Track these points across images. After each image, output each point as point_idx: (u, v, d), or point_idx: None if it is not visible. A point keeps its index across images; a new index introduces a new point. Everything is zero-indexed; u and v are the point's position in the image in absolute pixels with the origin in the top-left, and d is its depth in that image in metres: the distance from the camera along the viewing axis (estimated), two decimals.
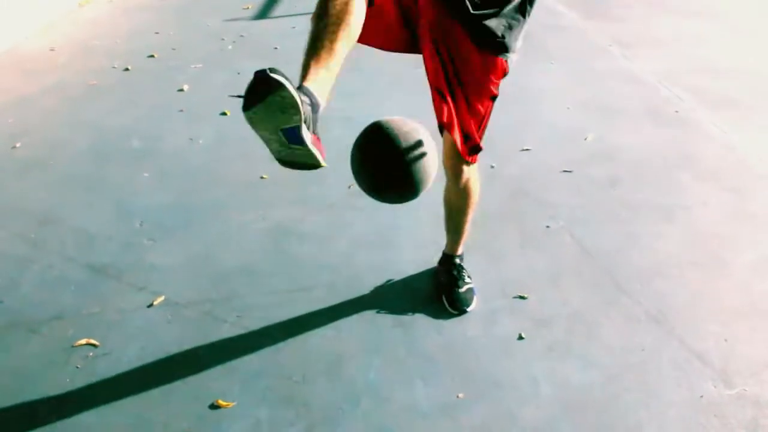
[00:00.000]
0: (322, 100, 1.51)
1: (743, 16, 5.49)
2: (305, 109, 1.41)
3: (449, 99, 2.01)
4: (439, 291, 2.44)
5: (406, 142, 1.87)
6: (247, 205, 3.01)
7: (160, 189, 3.14)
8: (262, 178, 3.21)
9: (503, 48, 1.99)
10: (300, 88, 1.47)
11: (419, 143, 1.88)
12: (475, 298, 2.42)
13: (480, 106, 2.07)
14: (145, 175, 3.26)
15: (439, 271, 2.49)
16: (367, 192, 1.97)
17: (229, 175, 3.22)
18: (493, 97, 2.09)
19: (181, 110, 3.89)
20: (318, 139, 1.54)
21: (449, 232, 2.42)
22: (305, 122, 1.41)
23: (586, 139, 3.50)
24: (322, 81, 1.52)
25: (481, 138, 2.12)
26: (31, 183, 3.23)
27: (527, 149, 3.38)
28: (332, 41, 1.54)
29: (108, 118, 3.83)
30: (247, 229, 2.87)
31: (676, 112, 3.81)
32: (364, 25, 1.63)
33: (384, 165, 1.89)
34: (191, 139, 3.56)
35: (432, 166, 1.92)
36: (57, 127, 3.75)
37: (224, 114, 3.80)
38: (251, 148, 3.48)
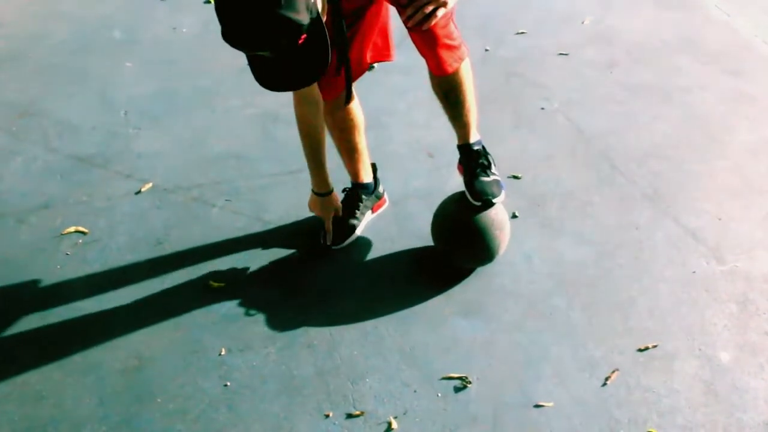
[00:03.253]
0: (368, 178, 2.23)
1: None
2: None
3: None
4: (463, 182, 2.07)
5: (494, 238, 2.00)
6: (233, 92, 2.92)
7: (144, 78, 3.04)
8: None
9: None
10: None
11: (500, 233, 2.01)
12: (503, 191, 2.02)
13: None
14: (128, 65, 3.15)
15: (461, 168, 2.08)
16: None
17: (215, 63, 3.11)
18: None
19: None
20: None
21: (456, 120, 2.00)
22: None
23: (583, 22, 3.37)
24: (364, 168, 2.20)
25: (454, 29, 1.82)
26: (8, 75, 3.12)
27: (522, 32, 3.26)
28: (354, 147, 2.12)
29: (87, 8, 3.66)
30: (235, 115, 2.79)
31: None
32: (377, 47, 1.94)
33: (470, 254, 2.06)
34: (174, 28, 3.42)
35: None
36: (34, 19, 3.59)
37: (208, 2, 3.64)
38: None
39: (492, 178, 2.01)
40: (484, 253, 2.03)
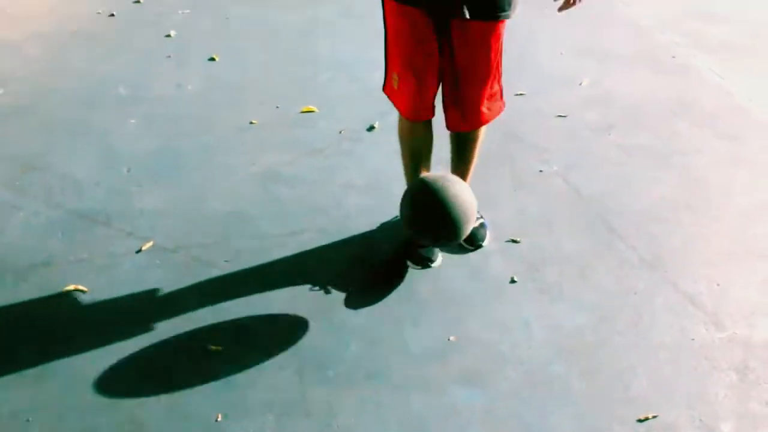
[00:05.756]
0: None
1: None
2: None
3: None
4: None
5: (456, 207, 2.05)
6: (236, 150, 2.95)
7: (148, 135, 3.08)
8: (251, 123, 3.15)
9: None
10: None
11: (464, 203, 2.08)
12: (488, 233, 2.41)
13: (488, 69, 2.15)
14: (132, 121, 3.19)
15: None
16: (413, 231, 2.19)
17: (218, 121, 3.16)
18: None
19: (169, 56, 3.80)
20: None
21: (459, 170, 2.38)
22: None
23: (581, 84, 3.44)
24: None
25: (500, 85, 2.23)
26: (15, 130, 3.16)
27: (521, 94, 3.32)
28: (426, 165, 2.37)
29: (93, 64, 3.74)
30: (236, 173, 2.82)
31: (674, 57, 3.75)
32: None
33: (436, 228, 2.11)
34: (179, 84, 3.48)
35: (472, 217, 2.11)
36: (41, 74, 3.66)
37: (212, 59, 3.71)
38: (240, 94, 3.43)
39: (479, 222, 2.38)
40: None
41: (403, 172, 2.39)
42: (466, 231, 2.08)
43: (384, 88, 2.25)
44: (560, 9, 2.15)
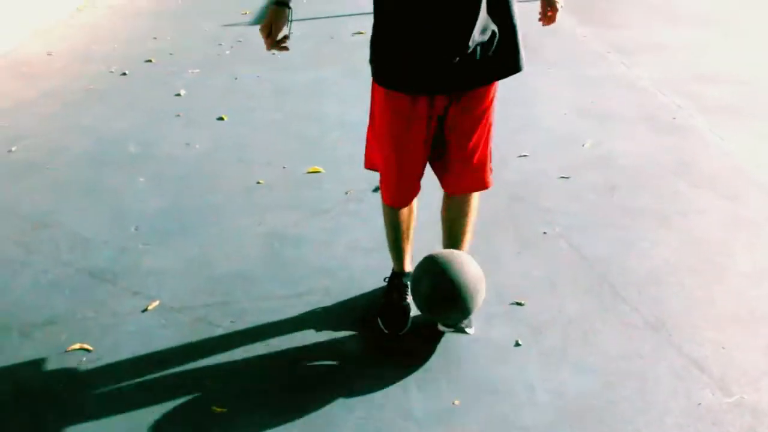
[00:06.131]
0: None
1: (741, 24, 5.50)
2: None
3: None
4: None
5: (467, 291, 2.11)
6: (243, 210, 2.99)
7: (156, 194, 3.13)
8: (258, 183, 3.20)
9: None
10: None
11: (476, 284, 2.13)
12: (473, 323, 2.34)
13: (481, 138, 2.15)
14: (141, 179, 3.25)
15: None
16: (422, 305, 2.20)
17: (225, 180, 3.21)
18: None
19: (178, 115, 3.89)
20: None
21: (452, 244, 2.36)
22: None
23: (583, 145, 3.49)
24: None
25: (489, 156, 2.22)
26: (26, 187, 3.22)
27: (524, 155, 3.37)
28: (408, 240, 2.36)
29: (105, 122, 3.82)
30: (243, 233, 2.85)
31: (674, 119, 3.81)
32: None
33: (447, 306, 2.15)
34: (188, 144, 3.55)
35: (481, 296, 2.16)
36: (53, 132, 3.74)
37: (221, 119, 3.80)
38: (247, 154, 3.49)
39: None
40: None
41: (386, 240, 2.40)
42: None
43: (366, 164, 2.29)
44: (544, 23, 2.20)
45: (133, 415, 2.04)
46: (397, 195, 2.20)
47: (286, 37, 1.96)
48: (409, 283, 2.30)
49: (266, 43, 1.94)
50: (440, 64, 1.94)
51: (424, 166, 2.18)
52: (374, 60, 2.03)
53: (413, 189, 2.21)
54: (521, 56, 2.05)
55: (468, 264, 2.15)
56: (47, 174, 3.32)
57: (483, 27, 1.95)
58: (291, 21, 1.94)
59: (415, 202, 2.28)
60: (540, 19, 2.18)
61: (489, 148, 2.18)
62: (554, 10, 2.16)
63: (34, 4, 5.40)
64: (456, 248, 2.31)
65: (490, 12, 1.95)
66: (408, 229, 2.33)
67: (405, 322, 2.33)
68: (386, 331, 2.31)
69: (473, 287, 2.11)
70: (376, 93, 2.09)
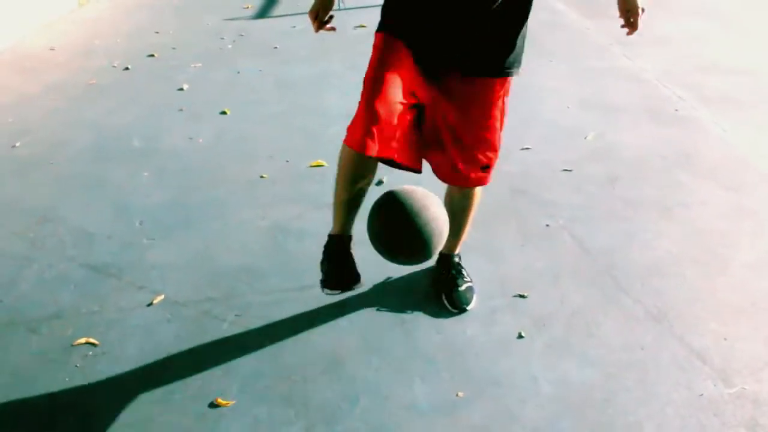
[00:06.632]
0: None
1: (744, 15, 5.49)
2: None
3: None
4: (439, 290, 2.44)
5: (423, 218, 1.91)
6: (246, 204, 3.00)
7: (160, 188, 3.14)
8: (261, 177, 3.21)
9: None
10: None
11: (435, 218, 1.93)
12: (474, 296, 2.42)
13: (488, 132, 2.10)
14: (145, 174, 3.26)
15: (438, 271, 2.49)
16: (382, 252, 2.04)
17: (229, 174, 3.22)
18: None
19: (181, 109, 3.90)
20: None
21: (450, 234, 2.18)
22: None
23: (586, 137, 3.50)
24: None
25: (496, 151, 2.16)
26: (30, 182, 3.23)
27: (527, 148, 3.38)
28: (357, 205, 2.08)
29: (108, 117, 3.83)
30: (247, 227, 2.87)
31: (676, 110, 3.81)
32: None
33: (402, 242, 1.97)
34: (191, 138, 3.56)
35: (443, 233, 1.94)
36: (57, 127, 3.75)
37: (224, 113, 3.80)
38: (250, 148, 3.50)
39: (466, 285, 2.40)
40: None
41: (333, 195, 2.11)
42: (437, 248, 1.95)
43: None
44: (628, 32, 2.01)
45: (138, 407, 2.06)
46: (371, 123, 1.79)
47: (331, 17, 2.11)
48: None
49: (314, 26, 2.07)
50: (451, 33, 1.90)
51: (406, 98, 1.89)
52: (384, 14, 1.97)
53: (387, 127, 1.82)
54: (517, 62, 2.02)
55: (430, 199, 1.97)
56: (51, 169, 3.33)
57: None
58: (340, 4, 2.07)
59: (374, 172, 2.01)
60: (623, 26, 2.01)
61: (489, 152, 2.14)
62: (636, 14, 1.95)
63: None
64: (453, 239, 2.34)
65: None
66: (367, 187, 2.05)
67: (355, 275, 2.11)
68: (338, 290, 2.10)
69: (435, 224, 1.92)
70: (375, 43, 1.95)
